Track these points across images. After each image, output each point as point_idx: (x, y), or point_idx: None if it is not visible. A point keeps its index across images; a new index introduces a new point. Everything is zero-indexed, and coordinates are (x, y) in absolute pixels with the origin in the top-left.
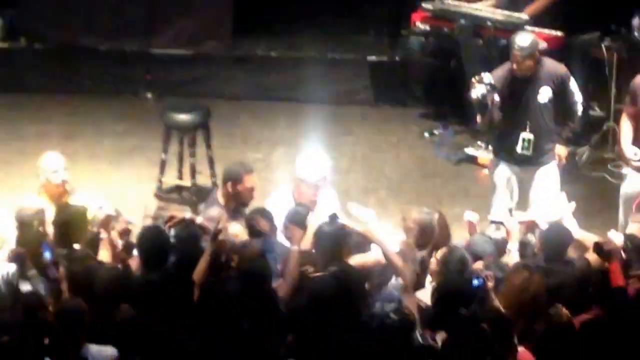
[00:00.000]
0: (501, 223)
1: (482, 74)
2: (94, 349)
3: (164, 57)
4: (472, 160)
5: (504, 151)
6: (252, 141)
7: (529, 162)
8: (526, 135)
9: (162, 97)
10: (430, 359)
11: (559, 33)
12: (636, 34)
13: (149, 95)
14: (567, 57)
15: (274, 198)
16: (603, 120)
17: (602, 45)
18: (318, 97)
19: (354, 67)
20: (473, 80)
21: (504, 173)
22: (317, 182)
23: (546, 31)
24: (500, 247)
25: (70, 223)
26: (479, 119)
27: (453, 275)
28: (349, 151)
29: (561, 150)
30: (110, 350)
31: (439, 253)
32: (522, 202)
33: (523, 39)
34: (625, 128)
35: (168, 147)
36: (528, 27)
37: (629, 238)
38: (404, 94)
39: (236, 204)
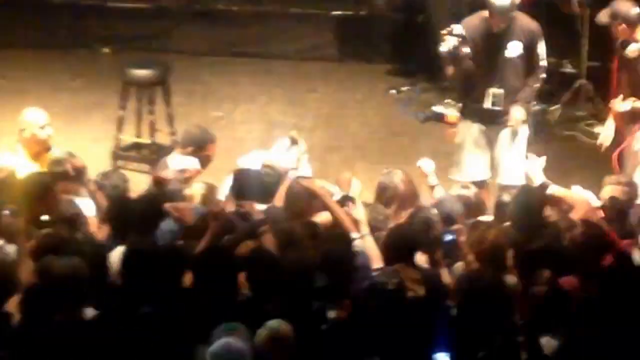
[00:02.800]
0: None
1: (453, 26)
2: None
3: (122, 11)
4: (440, 118)
5: (471, 107)
6: (213, 98)
7: (494, 121)
8: (495, 90)
9: (119, 52)
10: None
11: None
12: None
13: (106, 50)
14: (538, 13)
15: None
16: (575, 78)
17: (574, 1)
18: (281, 53)
19: (318, 21)
20: (443, 32)
21: (470, 131)
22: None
23: None
24: (471, 206)
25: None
26: (450, 71)
27: (404, 224)
28: (313, 108)
29: (515, 112)
30: None
31: (406, 214)
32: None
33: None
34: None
35: (126, 104)
36: None
37: (610, 200)
38: (369, 50)
39: None
